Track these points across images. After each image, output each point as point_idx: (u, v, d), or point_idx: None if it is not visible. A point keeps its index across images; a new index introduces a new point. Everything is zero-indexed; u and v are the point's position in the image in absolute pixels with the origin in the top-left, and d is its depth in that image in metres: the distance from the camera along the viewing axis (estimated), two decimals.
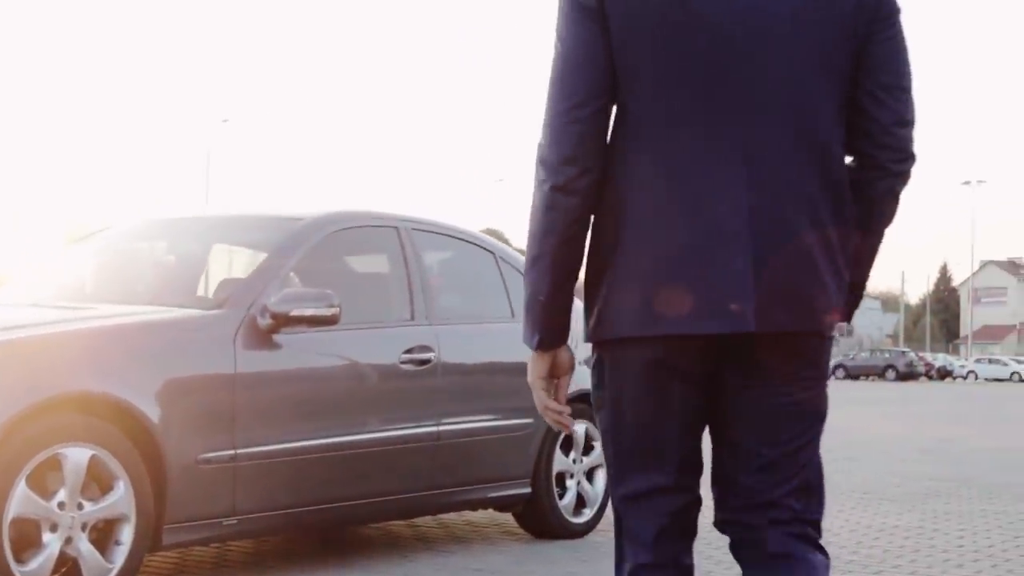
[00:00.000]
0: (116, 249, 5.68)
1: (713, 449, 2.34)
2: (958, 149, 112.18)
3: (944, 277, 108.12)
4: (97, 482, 4.13)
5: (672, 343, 2.17)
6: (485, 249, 6.11)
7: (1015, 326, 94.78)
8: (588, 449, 6.20)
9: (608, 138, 2.20)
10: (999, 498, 8.18)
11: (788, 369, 2.22)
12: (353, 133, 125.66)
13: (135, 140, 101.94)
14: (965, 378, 63.83)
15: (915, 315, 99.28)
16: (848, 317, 2.37)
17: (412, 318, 5.43)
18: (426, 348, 5.34)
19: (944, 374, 63.50)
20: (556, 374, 2.34)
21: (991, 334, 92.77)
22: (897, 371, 56.71)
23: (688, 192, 2.15)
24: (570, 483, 6.11)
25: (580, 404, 6.15)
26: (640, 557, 2.30)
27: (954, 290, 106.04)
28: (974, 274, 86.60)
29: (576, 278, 2.27)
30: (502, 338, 5.88)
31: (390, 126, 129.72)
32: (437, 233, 5.85)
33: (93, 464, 4.08)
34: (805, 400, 2.26)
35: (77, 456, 4.05)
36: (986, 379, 62.41)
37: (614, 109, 2.21)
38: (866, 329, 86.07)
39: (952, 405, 26.93)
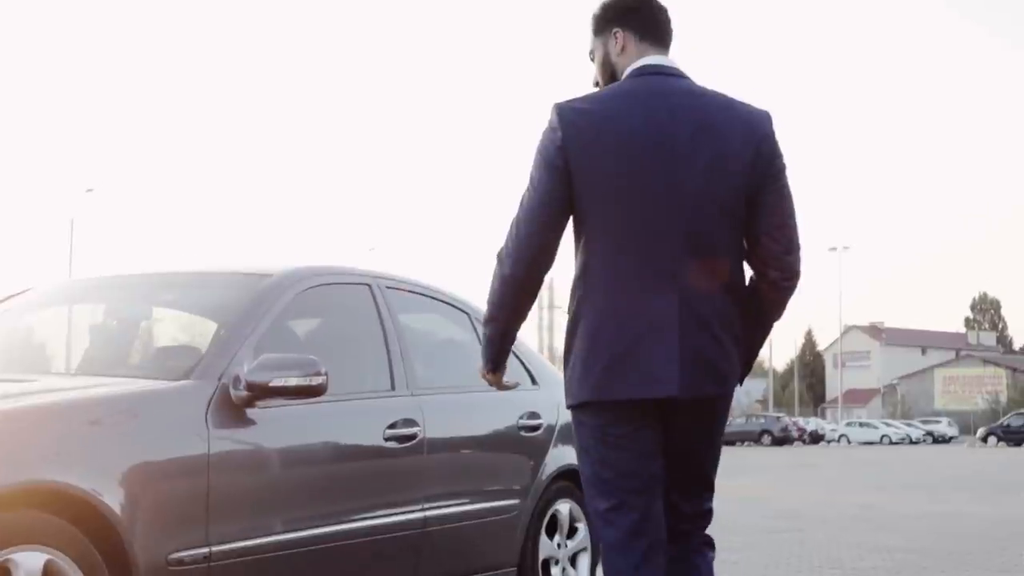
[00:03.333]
0: (44, 314, 4.90)
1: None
2: (825, 216, 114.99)
3: (809, 342, 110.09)
4: None
5: (624, 405, 3.11)
6: (460, 309, 5.49)
7: (879, 389, 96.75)
8: (572, 532, 5.58)
9: (553, 253, 3.13)
10: (977, 570, 7.77)
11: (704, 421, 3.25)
12: (222, 200, 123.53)
13: None
14: (838, 441, 64.66)
15: (783, 380, 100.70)
16: (741, 382, 3.32)
17: (392, 388, 4.76)
18: (411, 422, 4.67)
19: (816, 438, 64.21)
20: (501, 383, 3.53)
21: (856, 397, 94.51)
22: (772, 436, 57.12)
23: (634, 296, 3.05)
24: (555, 570, 5.47)
25: (564, 481, 5.56)
26: None
27: (819, 355, 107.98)
28: (839, 339, 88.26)
29: (515, 331, 3.32)
30: (485, 409, 5.26)
31: (260, 193, 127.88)
32: (411, 292, 5.20)
33: (49, 571, 3.31)
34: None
35: (30, 563, 3.26)
36: (859, 442, 63.30)
37: (581, 235, 3.11)
38: (735, 395, 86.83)
39: (842, 470, 26.95)
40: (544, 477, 5.39)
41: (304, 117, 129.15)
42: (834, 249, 77.69)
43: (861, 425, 68.82)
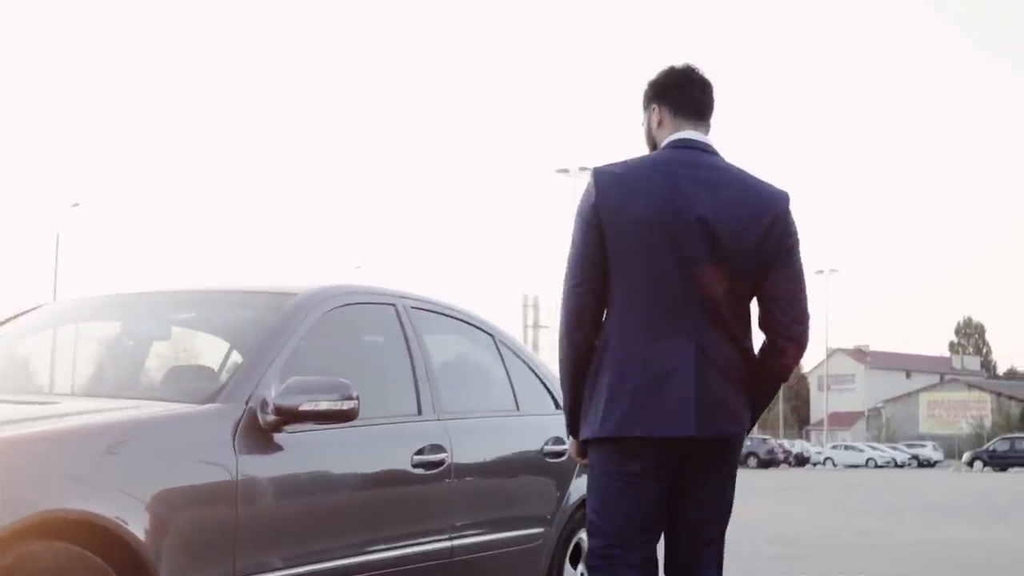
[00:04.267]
0: (57, 332, 4.71)
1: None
2: (812, 239, 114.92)
3: None
4: None
5: (641, 444, 3.36)
6: (483, 331, 5.34)
7: (863, 412, 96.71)
8: None
9: (601, 304, 3.43)
10: None
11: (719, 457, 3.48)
12: (207, 216, 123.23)
13: None
14: (823, 464, 64.54)
15: None
16: (748, 431, 3.57)
17: (419, 412, 4.60)
18: (438, 448, 4.51)
19: (802, 461, 64.03)
20: (578, 453, 3.64)
21: (841, 420, 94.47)
22: (759, 458, 56.91)
23: (654, 345, 3.34)
24: None
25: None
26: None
27: (804, 377, 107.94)
28: (824, 362, 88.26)
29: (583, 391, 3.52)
30: (510, 434, 5.11)
31: (245, 210, 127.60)
32: (435, 312, 5.04)
33: None
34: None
35: None
36: (844, 465, 63.20)
37: (610, 288, 3.42)
38: None
39: (833, 494, 26.83)
40: (569, 504, 5.24)
41: (289, 134, 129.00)
42: (821, 272, 77.61)
43: (847, 448, 68.70)
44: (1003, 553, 11.23)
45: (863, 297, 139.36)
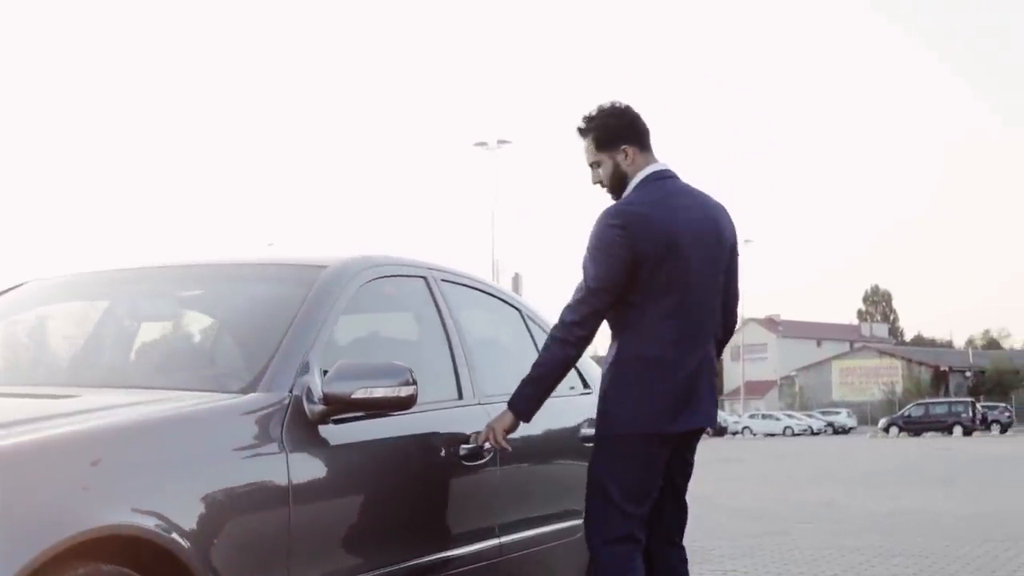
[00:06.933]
0: (51, 312, 4.14)
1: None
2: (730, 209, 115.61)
3: None
4: None
5: (665, 437, 3.93)
6: (511, 305, 4.87)
7: (776, 381, 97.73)
8: None
9: (600, 324, 3.97)
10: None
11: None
12: (116, 193, 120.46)
13: None
14: (741, 433, 65.03)
15: None
16: None
17: (460, 396, 4.13)
18: None
19: (720, 431, 64.38)
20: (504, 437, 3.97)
21: (754, 389, 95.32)
22: None
23: (681, 351, 3.90)
24: None
25: None
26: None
27: None
28: (740, 331, 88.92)
29: (555, 387, 4.05)
30: (548, 418, 4.61)
31: (154, 186, 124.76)
32: (464, 285, 4.55)
33: None
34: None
35: None
36: (763, 434, 63.73)
37: (638, 303, 3.92)
38: None
39: (766, 464, 26.93)
40: None
41: (200, 110, 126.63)
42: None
43: (764, 417, 69.33)
44: (983, 520, 11.10)
45: (774, 267, 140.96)
